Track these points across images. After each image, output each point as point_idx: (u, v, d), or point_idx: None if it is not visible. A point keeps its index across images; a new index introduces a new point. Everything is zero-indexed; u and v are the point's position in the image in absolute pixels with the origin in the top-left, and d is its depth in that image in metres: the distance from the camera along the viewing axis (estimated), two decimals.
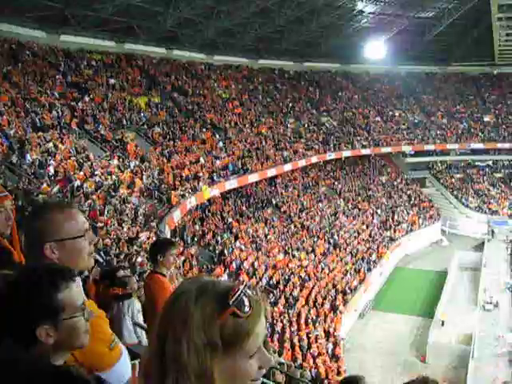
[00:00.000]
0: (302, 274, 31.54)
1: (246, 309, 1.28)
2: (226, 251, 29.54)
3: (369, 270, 36.12)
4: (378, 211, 46.62)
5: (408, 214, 48.18)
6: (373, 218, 45.09)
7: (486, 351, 26.19)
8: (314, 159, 43.80)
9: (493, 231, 46.89)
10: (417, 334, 29.79)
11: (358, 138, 49.85)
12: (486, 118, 57.05)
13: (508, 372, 24.31)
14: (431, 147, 54.07)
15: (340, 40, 50.54)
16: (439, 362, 26.06)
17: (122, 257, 17.51)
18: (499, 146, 54.44)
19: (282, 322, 25.63)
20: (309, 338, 25.46)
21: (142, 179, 25.89)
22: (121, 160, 26.58)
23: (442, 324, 29.35)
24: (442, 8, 47.35)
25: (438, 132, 55.03)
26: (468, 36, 51.27)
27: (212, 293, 1.29)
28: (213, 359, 1.25)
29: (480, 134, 54.95)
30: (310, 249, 35.48)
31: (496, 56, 43.98)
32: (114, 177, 23.97)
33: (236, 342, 1.28)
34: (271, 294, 27.63)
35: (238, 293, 1.29)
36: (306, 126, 47.79)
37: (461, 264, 39.50)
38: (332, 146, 46.70)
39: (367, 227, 42.97)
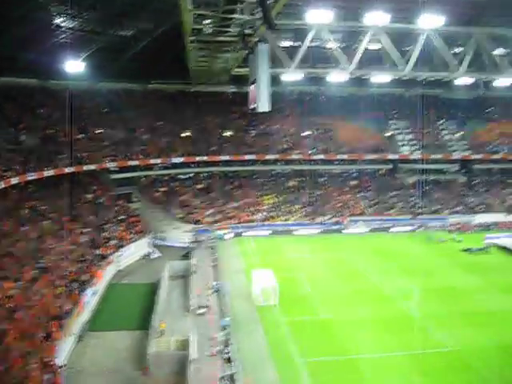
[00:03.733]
0: (11, 305, 28.87)
1: None
2: None
3: (82, 290, 34.99)
4: (86, 230, 45.66)
5: (117, 229, 48.23)
6: (81, 238, 43.89)
7: (202, 352, 27.64)
8: (14, 180, 41.19)
9: (198, 239, 50.05)
10: (136, 347, 29.77)
11: (61, 156, 48.10)
12: (185, 133, 60.85)
13: (223, 368, 25.99)
14: (135, 163, 55.35)
15: (38, 55, 47.88)
16: (161, 370, 26.57)
17: None
18: (198, 159, 58.75)
19: None
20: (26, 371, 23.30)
21: None
22: None
23: (161, 333, 29.91)
24: (141, 28, 48.88)
25: (141, 148, 56.60)
26: (166, 55, 54.00)
27: None
28: None
29: (180, 148, 58.28)
30: (17, 276, 32.76)
31: (191, 75, 47.44)
32: None
33: None
34: None
35: None
36: (4, 145, 44.27)
37: (172, 273, 41.18)
38: (33, 165, 44.17)
39: (77, 247, 41.62)
